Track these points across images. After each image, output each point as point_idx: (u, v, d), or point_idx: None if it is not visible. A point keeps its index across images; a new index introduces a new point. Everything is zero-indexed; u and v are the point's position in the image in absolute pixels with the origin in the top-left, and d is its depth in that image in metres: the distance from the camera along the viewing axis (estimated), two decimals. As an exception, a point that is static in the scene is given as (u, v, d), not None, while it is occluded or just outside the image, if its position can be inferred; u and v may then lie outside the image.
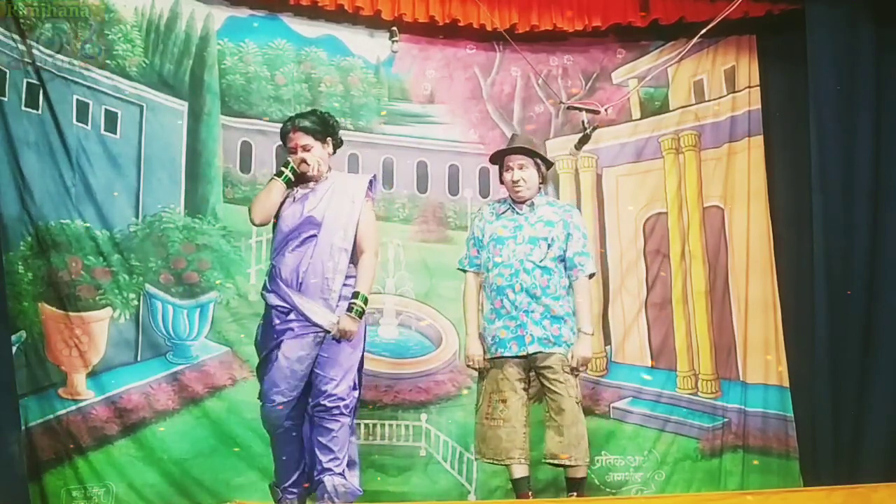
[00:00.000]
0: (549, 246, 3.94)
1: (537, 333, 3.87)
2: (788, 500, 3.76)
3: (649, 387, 5.10)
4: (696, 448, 5.04)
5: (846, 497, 3.53)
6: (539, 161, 4.01)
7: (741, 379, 5.11)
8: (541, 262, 3.92)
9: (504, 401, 3.89)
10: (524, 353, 3.88)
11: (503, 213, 4.04)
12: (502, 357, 3.91)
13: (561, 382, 3.87)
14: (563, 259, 3.97)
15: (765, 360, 5.10)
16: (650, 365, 5.13)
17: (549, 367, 3.89)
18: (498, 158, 4.10)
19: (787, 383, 5.04)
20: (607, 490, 4.85)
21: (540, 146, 4.15)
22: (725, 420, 5.08)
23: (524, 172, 3.97)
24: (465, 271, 4.10)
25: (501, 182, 4.13)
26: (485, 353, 3.97)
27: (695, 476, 5.00)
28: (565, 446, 3.85)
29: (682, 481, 4.98)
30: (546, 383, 3.91)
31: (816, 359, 4.74)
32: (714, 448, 5.04)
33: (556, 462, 3.88)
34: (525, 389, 3.96)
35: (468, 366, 4.02)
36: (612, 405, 5.04)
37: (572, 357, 3.90)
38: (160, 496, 4.37)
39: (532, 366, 3.95)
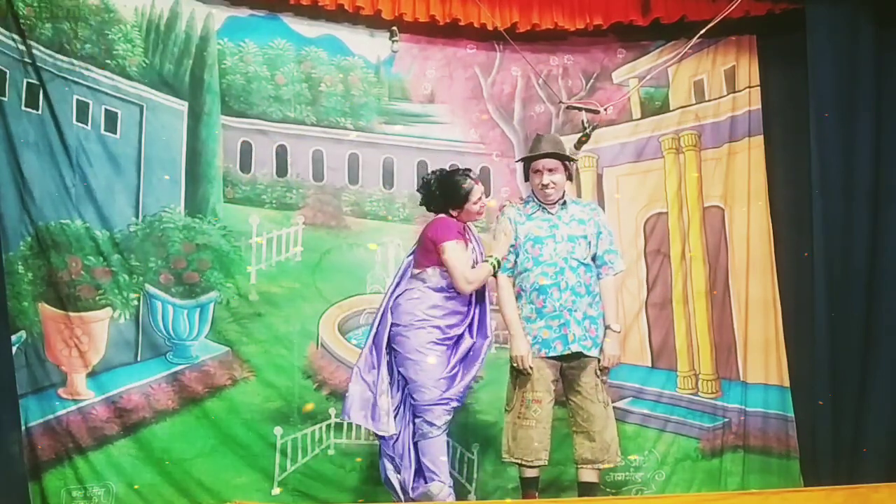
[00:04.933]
0: (588, 244, 4.00)
1: (578, 333, 3.91)
2: (788, 500, 3.76)
3: (651, 385, 5.11)
4: (697, 448, 5.05)
5: (846, 497, 3.54)
6: (566, 161, 4.04)
7: (741, 379, 5.11)
8: (584, 259, 3.97)
9: (539, 401, 3.90)
10: (567, 353, 3.91)
11: (533, 213, 4.05)
12: (543, 357, 3.93)
13: (592, 388, 3.93)
14: (594, 257, 4.03)
15: (765, 360, 5.09)
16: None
17: (584, 371, 3.93)
18: (526, 159, 4.13)
19: (787, 383, 5.04)
20: (607, 490, 4.85)
21: (562, 144, 4.15)
22: (726, 420, 5.09)
23: (554, 176, 4.00)
24: (495, 276, 4.07)
25: (526, 180, 4.17)
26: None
27: (695, 476, 5.01)
28: (598, 451, 3.91)
29: (683, 481, 4.98)
30: (577, 387, 3.96)
31: (816, 359, 4.74)
32: (714, 448, 5.04)
33: (590, 467, 3.93)
34: (555, 391, 3.99)
35: (514, 366, 3.99)
36: (612, 405, 5.03)
37: (604, 357, 3.95)
38: (160, 496, 4.38)
39: (564, 367, 3.97)
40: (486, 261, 3.96)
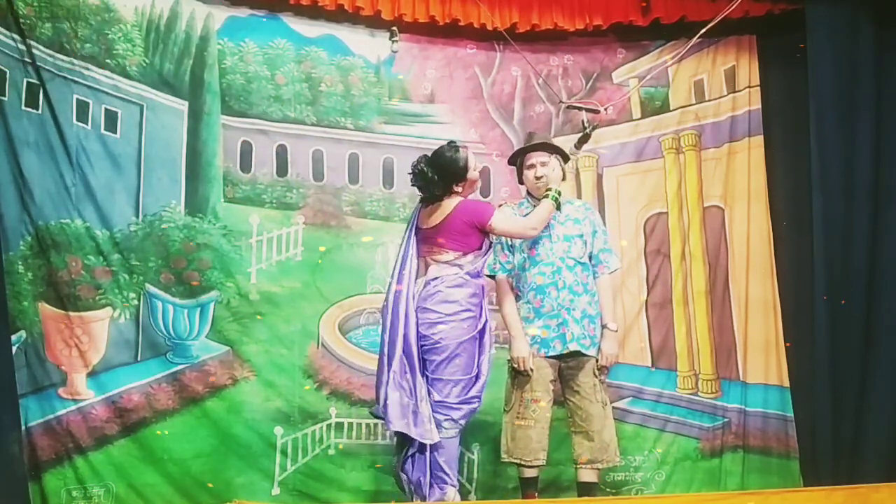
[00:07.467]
0: (584, 243, 4.01)
1: (576, 332, 3.92)
2: (788, 500, 3.77)
3: (651, 385, 5.11)
4: (697, 448, 5.05)
5: (846, 497, 3.54)
6: (559, 157, 4.06)
7: (741, 379, 5.11)
8: (581, 258, 3.99)
9: (538, 401, 3.90)
10: (566, 352, 3.91)
11: (527, 214, 4.06)
12: (542, 357, 3.93)
13: (590, 388, 3.94)
14: (590, 256, 4.06)
15: (765, 360, 5.09)
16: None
17: (582, 370, 3.93)
18: (517, 157, 4.15)
19: (787, 383, 5.04)
20: (607, 490, 4.85)
21: (554, 142, 4.18)
22: (726, 420, 5.09)
23: (546, 169, 4.01)
24: (493, 277, 4.07)
25: (520, 182, 4.19)
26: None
27: (695, 476, 5.00)
28: (597, 451, 3.91)
29: (683, 481, 4.98)
30: (575, 387, 3.96)
31: (816, 359, 4.74)
32: (714, 448, 5.04)
33: (589, 467, 3.93)
34: (554, 391, 3.99)
35: (514, 368, 3.97)
36: (612, 405, 5.03)
37: (602, 356, 3.97)
38: (160, 496, 4.37)
39: (563, 367, 3.97)
40: (546, 195, 3.91)
